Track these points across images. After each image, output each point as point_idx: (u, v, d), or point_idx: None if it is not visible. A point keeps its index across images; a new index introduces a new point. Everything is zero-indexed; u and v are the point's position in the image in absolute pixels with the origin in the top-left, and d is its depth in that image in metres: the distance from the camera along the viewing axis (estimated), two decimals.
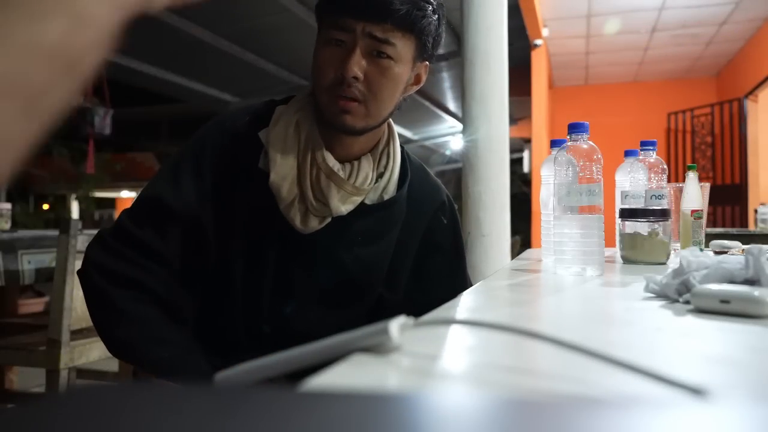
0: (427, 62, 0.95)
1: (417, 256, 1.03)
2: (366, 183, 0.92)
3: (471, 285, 1.06)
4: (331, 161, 0.90)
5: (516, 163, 8.42)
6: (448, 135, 9.49)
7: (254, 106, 0.97)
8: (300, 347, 0.42)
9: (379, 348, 0.41)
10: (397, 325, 0.41)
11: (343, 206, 0.90)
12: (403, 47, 0.86)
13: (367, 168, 0.93)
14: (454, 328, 0.50)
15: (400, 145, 1.00)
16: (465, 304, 0.67)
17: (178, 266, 0.90)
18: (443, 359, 0.41)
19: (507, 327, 0.42)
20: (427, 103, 7.35)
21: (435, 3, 0.88)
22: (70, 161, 10.24)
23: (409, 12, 0.83)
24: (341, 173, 0.90)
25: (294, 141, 0.90)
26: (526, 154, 7.83)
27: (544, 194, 1.27)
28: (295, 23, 4.44)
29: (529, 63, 5.50)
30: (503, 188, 2.67)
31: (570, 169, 0.94)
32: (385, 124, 0.96)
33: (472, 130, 2.64)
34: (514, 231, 3.31)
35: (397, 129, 0.99)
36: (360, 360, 0.39)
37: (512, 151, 5.28)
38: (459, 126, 5.54)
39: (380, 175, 0.96)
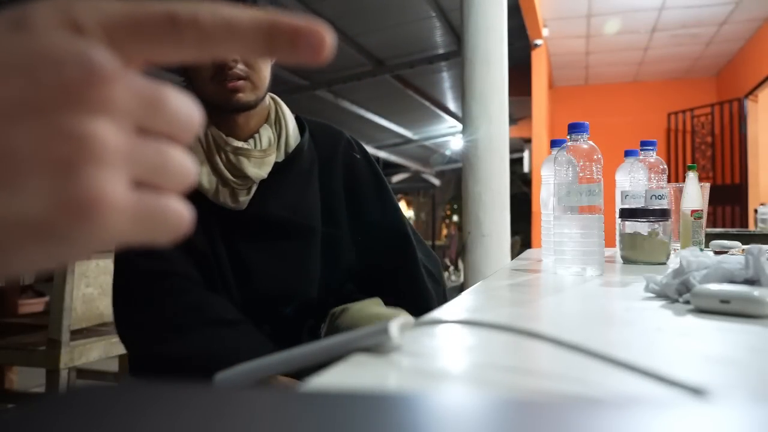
0: None
1: (346, 198, 1.10)
2: (271, 145, 1.01)
3: (399, 207, 1.16)
4: (234, 142, 0.98)
5: (516, 163, 8.41)
6: (448, 135, 9.48)
7: None
8: (300, 347, 0.42)
9: (379, 348, 0.41)
10: (397, 325, 0.41)
11: (260, 170, 0.98)
12: None
13: (267, 133, 1.02)
14: (454, 328, 0.50)
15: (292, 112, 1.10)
16: (465, 304, 0.67)
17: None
18: (443, 359, 0.41)
19: (507, 327, 0.42)
20: (427, 103, 7.34)
21: None
22: None
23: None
24: (246, 146, 0.99)
25: (195, 142, 0.99)
26: (526, 154, 7.83)
27: (544, 194, 1.27)
28: None
29: (529, 63, 5.50)
30: (503, 188, 2.67)
31: (570, 169, 0.94)
32: (268, 97, 1.05)
33: (472, 130, 2.64)
34: (514, 231, 3.31)
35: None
36: (360, 360, 0.39)
37: (512, 151, 5.28)
38: (459, 126, 5.55)
39: (278, 136, 1.05)
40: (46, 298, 4.53)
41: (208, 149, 0.98)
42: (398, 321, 0.42)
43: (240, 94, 0.94)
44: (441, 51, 5.55)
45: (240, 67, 0.93)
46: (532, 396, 0.32)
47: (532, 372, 0.38)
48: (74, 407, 0.23)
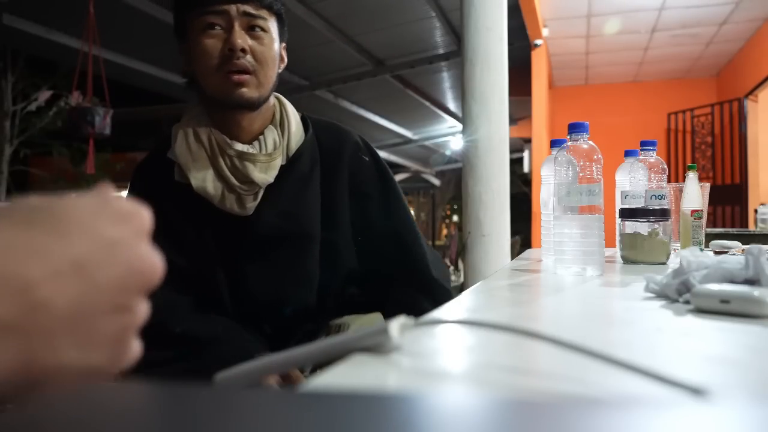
0: (284, 44, 1.03)
1: (350, 202, 1.05)
2: (276, 148, 0.98)
3: (408, 211, 1.11)
4: (238, 145, 0.95)
5: (516, 163, 8.41)
6: (448, 135, 9.47)
7: (153, 142, 1.06)
8: (300, 347, 0.42)
9: (379, 348, 0.41)
10: (397, 325, 0.41)
11: (267, 175, 0.96)
12: (271, 24, 0.96)
13: (272, 135, 0.99)
14: (454, 328, 0.50)
15: (297, 111, 1.07)
16: (465, 304, 0.67)
17: None
18: (443, 359, 0.41)
19: (507, 327, 0.42)
20: (427, 103, 7.34)
21: None
22: (70, 161, 10.24)
23: None
24: (251, 150, 0.96)
25: (198, 145, 0.96)
26: (526, 154, 7.82)
27: (544, 194, 1.27)
28: (295, 23, 4.44)
29: (529, 63, 5.50)
30: (503, 188, 2.66)
31: (570, 169, 0.94)
32: (273, 97, 1.02)
33: (472, 130, 2.64)
34: (514, 231, 3.31)
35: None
36: (360, 360, 0.39)
37: (512, 151, 5.28)
38: (459, 126, 5.55)
39: (282, 137, 1.02)
40: None
41: (211, 153, 0.95)
42: (398, 321, 0.42)
43: (244, 89, 0.92)
44: (441, 51, 5.55)
45: (248, 59, 0.92)
46: (532, 396, 0.32)
47: (532, 372, 0.38)
48: (74, 407, 0.23)
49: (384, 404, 0.23)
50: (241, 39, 0.91)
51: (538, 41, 5.24)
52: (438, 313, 0.59)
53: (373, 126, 8.04)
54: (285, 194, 0.99)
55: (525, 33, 4.96)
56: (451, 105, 7.63)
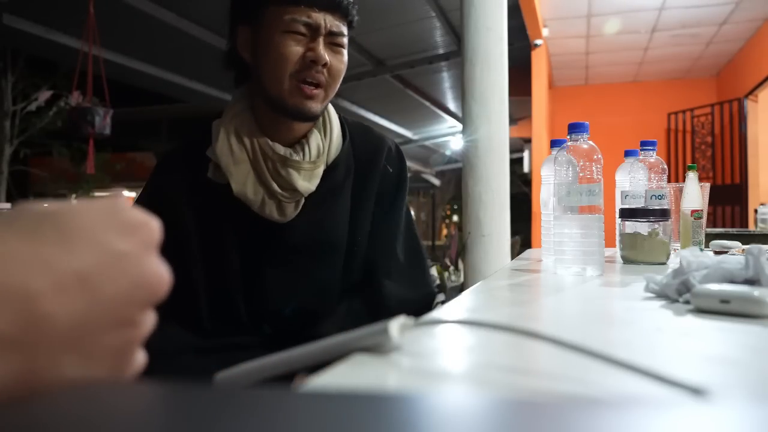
0: None
1: (373, 208, 1.03)
2: (320, 154, 0.96)
3: (408, 229, 1.07)
4: (280, 149, 0.92)
5: (516, 163, 8.41)
6: (448, 135, 9.48)
7: (187, 135, 1.02)
8: (300, 347, 0.42)
9: (379, 348, 0.41)
10: (397, 325, 0.41)
11: (309, 183, 0.93)
12: (347, 39, 0.95)
13: (316, 140, 0.96)
14: (454, 328, 0.50)
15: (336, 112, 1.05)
16: (465, 304, 0.67)
17: None
18: (443, 359, 0.41)
19: (507, 327, 0.42)
20: (427, 103, 7.35)
21: None
22: (70, 161, 10.24)
23: (351, 3, 0.93)
24: (294, 156, 0.93)
25: (240, 146, 0.92)
26: (526, 154, 7.82)
27: (544, 194, 1.27)
28: None
29: (529, 63, 5.50)
30: (503, 188, 2.67)
31: (570, 169, 0.94)
32: None
33: (472, 130, 2.64)
34: (514, 231, 3.31)
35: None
36: (360, 360, 0.39)
37: (512, 151, 5.28)
38: (459, 126, 5.55)
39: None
40: None
41: (253, 157, 0.92)
42: (398, 321, 0.42)
43: (312, 103, 0.90)
44: (441, 51, 5.55)
45: (324, 73, 0.90)
46: (532, 396, 0.32)
47: (532, 372, 0.38)
48: (74, 407, 0.23)
49: (384, 404, 0.23)
50: (325, 53, 0.90)
51: (538, 41, 5.24)
52: (438, 313, 0.59)
53: (373, 126, 8.03)
54: (319, 203, 0.97)
55: (525, 33, 4.96)
56: (451, 105, 7.63)
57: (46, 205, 0.28)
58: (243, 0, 0.94)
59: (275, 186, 0.91)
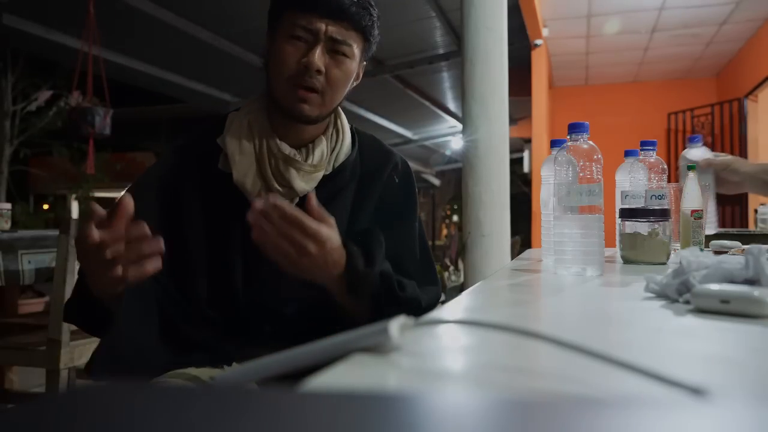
0: (365, 62, 1.03)
1: (375, 218, 1.04)
2: (322, 160, 0.99)
3: (419, 237, 1.07)
4: (286, 149, 0.96)
5: (516, 163, 8.40)
6: (448, 135, 9.47)
7: (202, 124, 1.07)
8: (300, 347, 0.42)
9: (379, 348, 0.41)
10: (397, 325, 0.41)
11: (306, 185, 0.97)
12: (355, 46, 0.96)
13: (321, 147, 1.00)
14: (454, 328, 0.50)
15: (349, 123, 1.07)
16: (465, 304, 0.67)
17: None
18: (443, 359, 0.41)
19: (507, 327, 0.42)
20: (427, 103, 7.34)
21: (376, 10, 0.98)
22: (70, 161, 10.25)
23: (361, 13, 0.94)
24: (298, 157, 0.97)
25: (249, 139, 0.97)
26: (526, 154, 7.82)
27: (544, 194, 1.27)
28: None
29: (529, 63, 5.49)
30: (503, 188, 2.66)
31: (570, 169, 0.94)
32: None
33: (472, 130, 2.64)
34: (514, 231, 3.31)
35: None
36: (360, 360, 0.39)
37: (512, 151, 5.28)
38: (459, 126, 5.55)
39: (332, 149, 1.02)
40: (46, 298, 4.52)
41: (259, 152, 0.96)
42: (398, 321, 0.42)
43: (305, 106, 0.93)
44: (441, 51, 5.55)
45: (320, 79, 0.92)
46: (532, 396, 0.32)
47: (532, 372, 0.38)
48: (74, 407, 0.23)
49: (384, 404, 0.23)
50: (320, 60, 0.91)
51: (538, 41, 5.24)
52: (438, 313, 0.59)
53: (373, 126, 8.04)
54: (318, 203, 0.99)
55: (525, 33, 4.96)
56: (451, 105, 7.63)
57: None
58: (270, 8, 0.99)
59: (273, 182, 0.95)
